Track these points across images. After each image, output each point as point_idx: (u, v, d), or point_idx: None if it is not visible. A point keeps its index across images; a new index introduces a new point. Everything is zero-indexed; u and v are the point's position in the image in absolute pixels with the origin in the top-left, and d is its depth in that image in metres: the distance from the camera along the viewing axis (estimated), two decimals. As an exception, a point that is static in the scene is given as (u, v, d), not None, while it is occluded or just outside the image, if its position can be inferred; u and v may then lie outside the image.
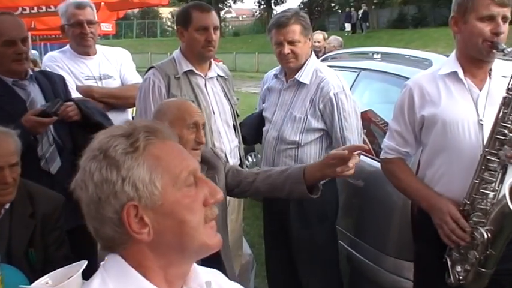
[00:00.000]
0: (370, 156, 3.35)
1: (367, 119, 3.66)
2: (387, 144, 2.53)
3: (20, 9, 5.05)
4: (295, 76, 3.09)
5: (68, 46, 3.56)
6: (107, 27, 8.78)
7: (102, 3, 5.07)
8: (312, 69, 3.10)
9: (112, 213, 1.08)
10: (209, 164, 2.47)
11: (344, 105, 3.02)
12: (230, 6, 60.22)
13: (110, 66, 3.56)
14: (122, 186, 1.07)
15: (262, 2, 54.05)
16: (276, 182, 2.33)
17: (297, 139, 3.06)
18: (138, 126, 1.14)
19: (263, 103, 3.36)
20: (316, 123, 3.05)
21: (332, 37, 8.61)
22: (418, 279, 2.55)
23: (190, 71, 2.98)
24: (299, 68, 3.10)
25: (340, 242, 3.31)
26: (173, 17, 57.79)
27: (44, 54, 3.46)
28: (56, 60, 3.43)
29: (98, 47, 3.59)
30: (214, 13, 3.00)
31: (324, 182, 3.09)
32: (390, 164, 2.54)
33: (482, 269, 2.14)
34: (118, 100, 3.41)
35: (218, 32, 2.98)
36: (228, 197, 3.05)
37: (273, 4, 53.80)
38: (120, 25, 42.14)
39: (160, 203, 1.09)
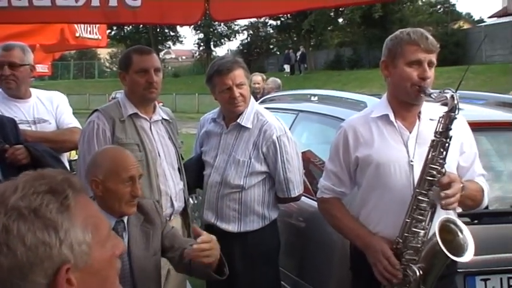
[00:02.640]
0: (310, 196, 3.41)
1: (306, 159, 3.74)
2: (323, 184, 2.61)
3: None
4: (238, 120, 3.11)
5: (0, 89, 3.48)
6: (43, 68, 8.57)
7: (38, 45, 5.01)
8: (252, 113, 3.14)
9: (42, 278, 0.99)
10: (147, 216, 2.44)
11: (287, 147, 3.08)
12: (169, 47, 60.48)
13: (45, 110, 3.49)
14: (59, 248, 1.00)
15: (202, 44, 54.61)
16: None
17: (242, 183, 3.07)
18: (58, 180, 1.06)
19: (201, 147, 3.35)
20: (260, 166, 3.09)
21: (270, 79, 8.77)
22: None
23: (135, 114, 2.97)
24: (241, 112, 3.13)
25: (282, 282, 3.32)
26: (111, 58, 57.51)
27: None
28: None
29: (32, 90, 3.54)
30: (154, 55, 3.02)
31: (267, 224, 3.13)
32: (326, 204, 2.62)
33: (415, 305, 2.22)
34: (53, 144, 3.32)
35: (160, 74, 2.99)
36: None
37: (212, 45, 54.49)
38: (56, 66, 41.37)
39: (89, 262, 1.04)
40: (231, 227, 3.11)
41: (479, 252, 2.45)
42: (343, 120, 2.77)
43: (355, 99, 3.62)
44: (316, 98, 4.27)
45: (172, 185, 3.02)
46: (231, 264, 3.07)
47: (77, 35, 4.91)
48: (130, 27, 49.77)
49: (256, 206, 3.11)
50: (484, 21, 47.79)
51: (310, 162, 3.78)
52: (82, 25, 4.85)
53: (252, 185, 3.09)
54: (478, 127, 2.93)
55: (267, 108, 4.01)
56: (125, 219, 2.37)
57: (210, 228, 3.16)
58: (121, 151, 2.42)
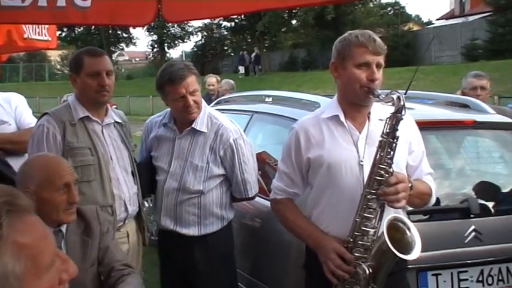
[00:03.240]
0: (264, 197, 3.42)
1: (262, 160, 3.76)
2: (276, 185, 2.62)
3: None
4: (192, 125, 3.08)
5: None
6: (-10, 71, 8.36)
7: (-16, 47, 4.85)
8: (205, 116, 3.11)
9: None
10: (88, 225, 2.36)
11: (243, 149, 3.09)
12: (123, 49, 59.73)
13: (4, 112, 3.44)
14: None
15: (155, 45, 54.13)
16: None
17: (201, 188, 3.05)
18: None
19: (149, 151, 3.29)
20: (217, 170, 3.08)
21: (224, 80, 8.76)
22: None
23: (87, 117, 2.91)
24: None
25: (238, 283, 3.32)
26: (62, 60, 56.31)
27: None
28: None
29: None
30: (106, 57, 2.96)
31: (225, 225, 3.14)
32: (279, 204, 2.63)
33: (365, 303, 2.26)
34: (15, 145, 3.28)
35: (112, 77, 2.93)
36: (127, 244, 3.00)
37: (166, 47, 54.08)
38: (4, 68, 40.17)
39: None
40: (192, 231, 3.09)
41: (430, 248, 2.52)
42: (296, 120, 2.78)
43: (309, 100, 3.65)
44: (270, 99, 4.29)
45: (125, 189, 2.98)
46: (193, 268, 3.09)
47: (25, 36, 4.77)
48: (82, 28, 48.87)
49: (215, 208, 3.11)
50: (433, 23, 49.29)
51: (265, 163, 3.79)
52: (30, 26, 4.71)
53: (210, 188, 3.08)
54: (427, 126, 3.01)
55: (221, 109, 4.02)
56: (64, 227, 2.29)
57: (169, 234, 3.15)
58: (52, 158, 2.33)
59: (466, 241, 2.98)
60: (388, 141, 2.22)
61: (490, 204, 3.14)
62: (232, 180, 3.14)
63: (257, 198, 3.40)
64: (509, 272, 3.08)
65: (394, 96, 2.22)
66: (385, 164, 2.22)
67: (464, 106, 3.97)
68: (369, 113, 2.47)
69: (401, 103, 2.20)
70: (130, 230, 3.04)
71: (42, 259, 1.00)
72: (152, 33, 51.95)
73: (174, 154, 3.13)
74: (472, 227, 2.99)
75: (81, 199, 2.76)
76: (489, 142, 3.70)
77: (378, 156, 2.24)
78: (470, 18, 35.57)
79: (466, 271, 3.01)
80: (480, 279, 3.03)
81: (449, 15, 44.00)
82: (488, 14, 31.68)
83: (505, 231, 3.05)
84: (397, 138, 2.23)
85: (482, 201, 3.08)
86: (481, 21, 30.48)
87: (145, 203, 6.07)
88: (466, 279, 3.01)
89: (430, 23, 52.99)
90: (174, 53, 55.95)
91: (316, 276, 2.46)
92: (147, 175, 3.20)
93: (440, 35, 30.87)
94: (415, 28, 43.46)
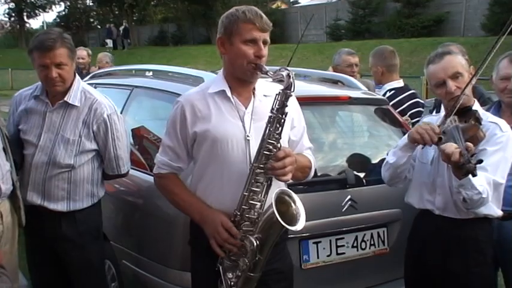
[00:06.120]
0: (145, 171, 3.38)
1: (140, 135, 3.69)
2: (160, 160, 2.59)
3: None
4: (65, 98, 3.00)
5: None
6: None
7: None
8: (79, 91, 3.05)
9: None
10: None
11: (117, 125, 3.08)
12: (-26, 17, 54.74)
13: None
14: None
15: (13, 14, 50.22)
16: None
17: (72, 162, 2.99)
18: None
19: (17, 126, 3.12)
20: (90, 145, 3.03)
21: (102, 53, 8.46)
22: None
23: None
24: (66, 90, 3.01)
25: (124, 261, 3.27)
26: None
27: None
28: None
29: None
30: None
31: (95, 202, 3.13)
32: (163, 179, 2.61)
33: (251, 274, 2.34)
34: None
35: None
36: (0, 225, 2.87)
37: (25, 17, 50.42)
38: None
39: None
40: (60, 207, 3.03)
41: (311, 217, 2.65)
42: (179, 95, 2.75)
43: (193, 75, 3.60)
44: (151, 73, 4.20)
45: None
46: (61, 245, 3.05)
47: None
48: None
49: (85, 184, 3.07)
50: (299, 3, 50.90)
51: (143, 137, 3.74)
52: None
53: (81, 163, 3.03)
54: (304, 102, 3.13)
55: (98, 83, 3.87)
56: None
57: (35, 210, 3.04)
58: None
59: (343, 210, 3.19)
60: (277, 116, 2.28)
61: (363, 175, 3.38)
62: (104, 157, 3.11)
63: (138, 173, 3.36)
64: (380, 237, 3.36)
65: (284, 73, 2.27)
66: (274, 139, 2.27)
67: (337, 82, 4.19)
68: (254, 88, 2.51)
69: (291, 80, 2.26)
70: (4, 210, 2.88)
71: None
72: (9, 0, 48.16)
73: (45, 127, 3.02)
74: (349, 197, 3.20)
75: None
76: (362, 117, 3.94)
77: (267, 131, 2.29)
78: (334, -1, 37.21)
79: (342, 238, 3.23)
80: (355, 244, 3.27)
81: (314, -5, 45.71)
82: (350, -4, 33.31)
83: (376, 200, 3.30)
84: (286, 114, 2.29)
85: (357, 173, 3.30)
86: (344, 3, 31.96)
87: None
88: (343, 246, 3.23)
89: (296, 1, 54.64)
90: (35, 23, 52.39)
91: (201, 251, 2.50)
92: (16, 151, 3.03)
93: (306, 14, 31.99)
94: (283, 7, 44.61)
